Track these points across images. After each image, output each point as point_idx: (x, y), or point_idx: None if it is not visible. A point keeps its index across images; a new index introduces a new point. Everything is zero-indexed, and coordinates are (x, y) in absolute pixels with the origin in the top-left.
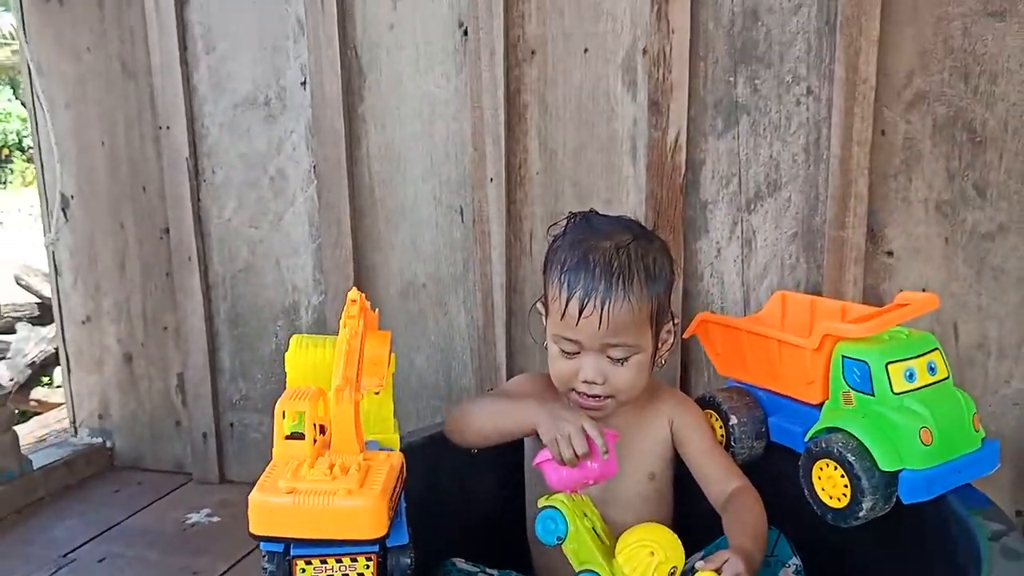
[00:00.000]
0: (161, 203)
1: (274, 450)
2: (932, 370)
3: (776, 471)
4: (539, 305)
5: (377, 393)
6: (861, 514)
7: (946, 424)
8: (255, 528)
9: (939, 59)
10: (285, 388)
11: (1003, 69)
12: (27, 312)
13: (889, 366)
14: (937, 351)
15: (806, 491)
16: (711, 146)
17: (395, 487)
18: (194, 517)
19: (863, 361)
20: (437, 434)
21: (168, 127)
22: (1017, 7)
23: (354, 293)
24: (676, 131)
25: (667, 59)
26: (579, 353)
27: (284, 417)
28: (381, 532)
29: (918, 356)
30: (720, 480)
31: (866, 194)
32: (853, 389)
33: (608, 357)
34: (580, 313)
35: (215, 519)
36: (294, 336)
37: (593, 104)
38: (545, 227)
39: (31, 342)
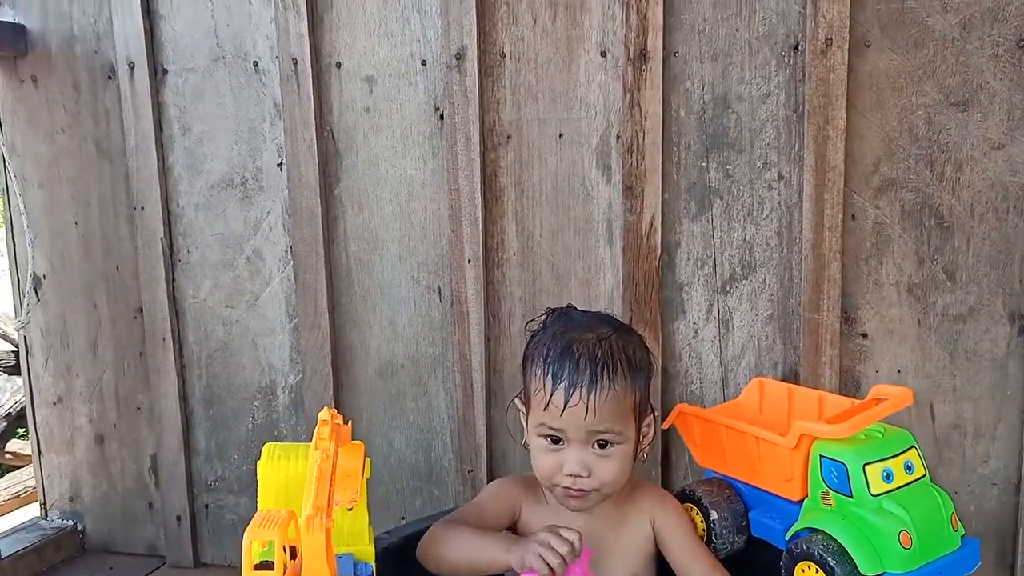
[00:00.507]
0: (135, 283)
1: None
2: (909, 469)
3: (758, 568)
4: (518, 402)
5: (350, 510)
6: None
7: (925, 525)
8: None
9: (905, 147)
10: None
11: (967, 157)
12: (3, 361)
13: (867, 467)
14: (913, 449)
15: None
16: (686, 229)
17: None
18: None
19: (840, 462)
20: (414, 534)
21: (143, 207)
22: (978, 98)
23: (325, 414)
24: (651, 215)
25: (640, 145)
26: (563, 446)
27: (252, 545)
28: None
29: (895, 456)
30: None
31: (839, 277)
32: (832, 489)
33: (593, 448)
34: (566, 403)
35: None
36: (266, 445)
37: (568, 188)
38: (523, 308)
39: (7, 392)
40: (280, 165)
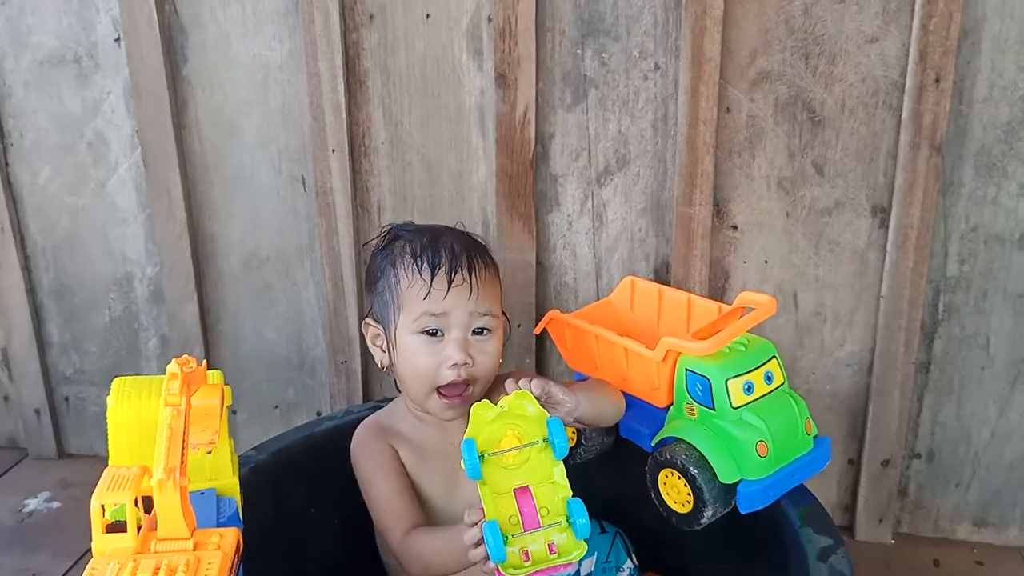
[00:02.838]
0: None
1: (93, 546)
2: (769, 379)
3: (622, 468)
4: (369, 320)
5: (209, 452)
6: (703, 520)
7: (780, 433)
8: None
9: (781, 39)
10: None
11: (841, 51)
12: None
13: (729, 382)
14: (775, 359)
15: (653, 496)
16: (560, 119)
17: (229, 575)
18: (32, 504)
19: (705, 377)
20: (283, 448)
21: None
22: None
23: (174, 366)
24: (524, 105)
25: (513, 30)
26: (441, 339)
27: (103, 508)
28: None
29: (756, 368)
30: None
31: (712, 171)
32: (696, 401)
33: (473, 334)
34: (450, 283)
35: (54, 504)
36: (116, 380)
37: (439, 73)
38: (394, 199)
39: None
40: (118, 40)
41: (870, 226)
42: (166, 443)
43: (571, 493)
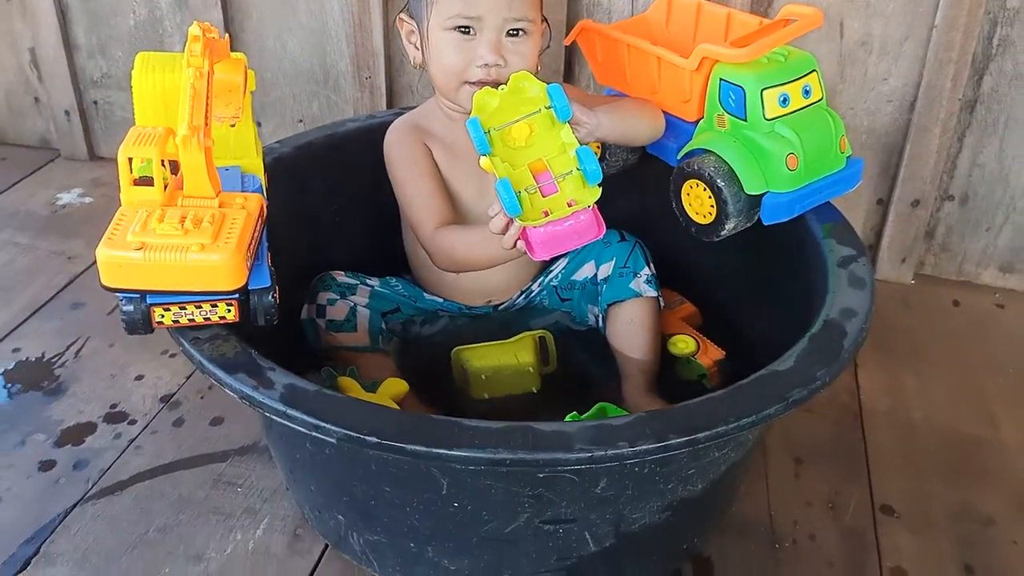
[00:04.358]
0: None
1: (121, 196)
2: (807, 93)
3: (646, 183)
4: (404, 16)
5: (233, 125)
6: (724, 232)
7: (813, 148)
8: (106, 281)
9: None
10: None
11: None
12: None
13: (764, 92)
14: (814, 72)
15: (674, 205)
16: None
17: (253, 233)
18: (65, 197)
19: (739, 86)
20: (307, 144)
21: None
22: None
23: (195, 28)
24: None
25: None
26: (474, 37)
27: (130, 162)
28: (239, 283)
29: (794, 80)
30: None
31: None
32: (728, 112)
33: (507, 35)
34: None
35: (87, 200)
36: (139, 55)
37: None
38: None
39: None
40: None
41: None
42: (189, 102)
43: (578, 145)
